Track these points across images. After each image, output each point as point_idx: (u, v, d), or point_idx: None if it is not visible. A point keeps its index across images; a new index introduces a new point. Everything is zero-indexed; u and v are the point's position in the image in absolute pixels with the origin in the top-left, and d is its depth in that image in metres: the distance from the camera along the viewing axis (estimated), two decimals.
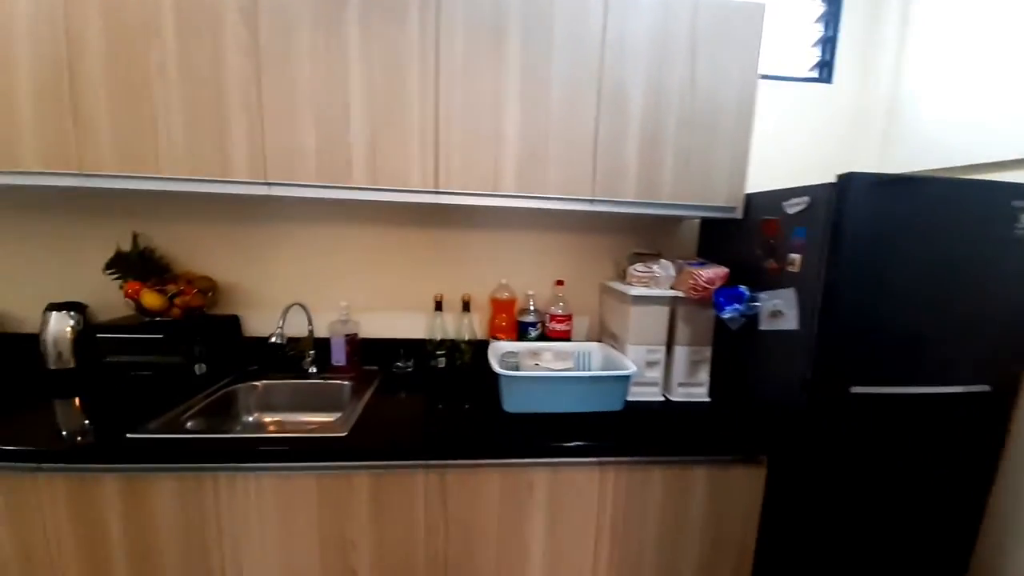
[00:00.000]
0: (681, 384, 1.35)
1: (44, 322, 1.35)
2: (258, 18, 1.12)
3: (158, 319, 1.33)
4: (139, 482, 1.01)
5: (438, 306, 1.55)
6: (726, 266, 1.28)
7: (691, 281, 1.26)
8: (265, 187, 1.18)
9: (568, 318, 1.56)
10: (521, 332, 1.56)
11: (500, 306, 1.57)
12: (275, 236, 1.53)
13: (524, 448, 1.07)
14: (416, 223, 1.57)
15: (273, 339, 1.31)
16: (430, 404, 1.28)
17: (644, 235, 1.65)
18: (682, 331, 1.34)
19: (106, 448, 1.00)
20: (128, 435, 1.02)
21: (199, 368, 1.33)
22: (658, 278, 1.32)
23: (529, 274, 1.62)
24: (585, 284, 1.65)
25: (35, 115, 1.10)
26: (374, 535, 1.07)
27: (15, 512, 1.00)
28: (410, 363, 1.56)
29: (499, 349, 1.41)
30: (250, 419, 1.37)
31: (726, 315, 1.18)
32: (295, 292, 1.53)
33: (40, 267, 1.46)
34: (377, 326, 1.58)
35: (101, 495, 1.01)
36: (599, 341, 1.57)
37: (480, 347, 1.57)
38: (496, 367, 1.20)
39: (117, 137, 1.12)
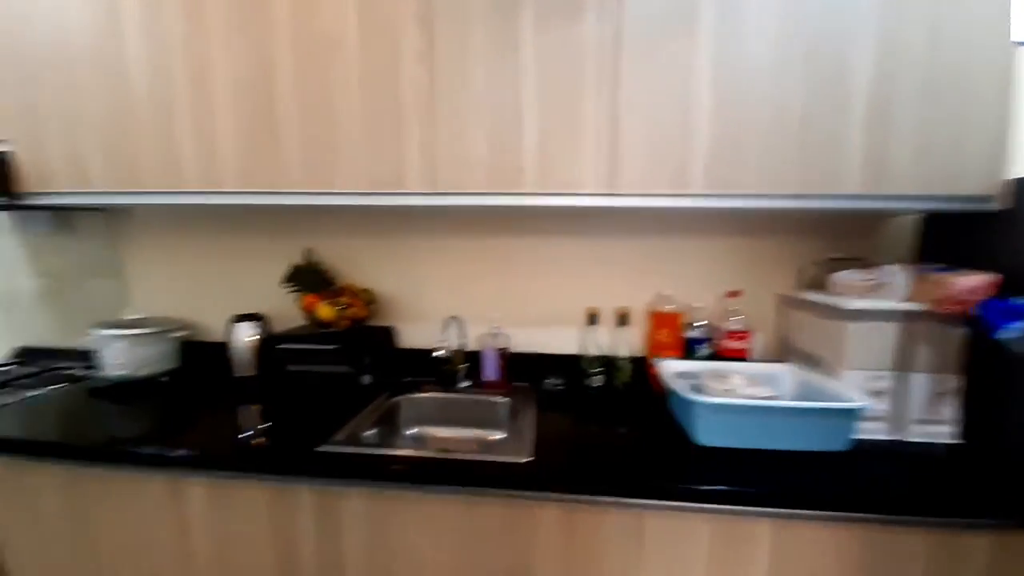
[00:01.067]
0: (918, 421, 1.08)
1: (230, 332, 1.46)
2: (434, 23, 1.10)
3: (329, 330, 1.37)
4: (329, 496, 1.01)
5: (592, 320, 1.43)
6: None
7: (941, 292, 1.00)
8: (436, 197, 1.15)
9: (746, 335, 1.35)
10: (688, 350, 1.38)
11: (662, 320, 1.41)
12: (427, 247, 1.52)
13: (741, 493, 0.89)
14: (567, 232, 1.47)
15: (440, 352, 1.28)
16: (599, 428, 1.16)
17: (829, 237, 1.39)
18: (919, 354, 1.07)
19: (299, 460, 1.00)
20: (317, 448, 1.02)
21: (365, 379, 1.35)
22: (886, 287, 1.07)
23: (691, 284, 1.45)
24: (754, 295, 1.43)
25: (234, 135, 1.18)
26: (562, 573, 0.96)
27: (217, 514, 1.05)
28: (561, 381, 1.45)
29: (670, 369, 1.24)
30: (411, 432, 1.35)
31: (1007, 336, 0.91)
32: (445, 304, 1.51)
33: (226, 280, 1.60)
34: (526, 340, 1.50)
35: (295, 507, 1.02)
36: (781, 362, 1.34)
37: (639, 365, 1.42)
38: (685, 392, 1.05)
39: (305, 154, 1.16)
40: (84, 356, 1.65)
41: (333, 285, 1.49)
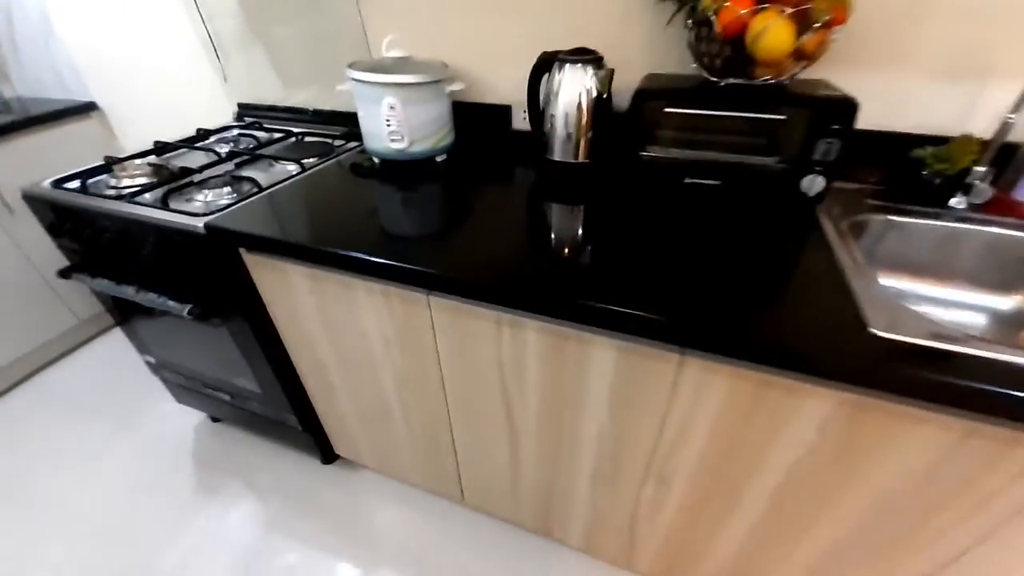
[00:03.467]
0: None
1: (536, 87, 0.89)
2: None
3: (761, 81, 0.71)
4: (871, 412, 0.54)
5: None
6: None
7: None
8: None
9: None
10: None
11: None
12: None
13: None
14: None
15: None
16: None
17: None
18: None
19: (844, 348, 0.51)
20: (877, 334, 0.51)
21: (811, 183, 0.73)
22: None
23: None
24: None
25: None
26: None
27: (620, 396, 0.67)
28: None
29: None
30: (884, 283, 0.79)
31: None
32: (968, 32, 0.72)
33: None
34: None
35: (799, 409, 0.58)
36: None
37: None
38: None
39: None
40: (332, 119, 1.25)
41: None
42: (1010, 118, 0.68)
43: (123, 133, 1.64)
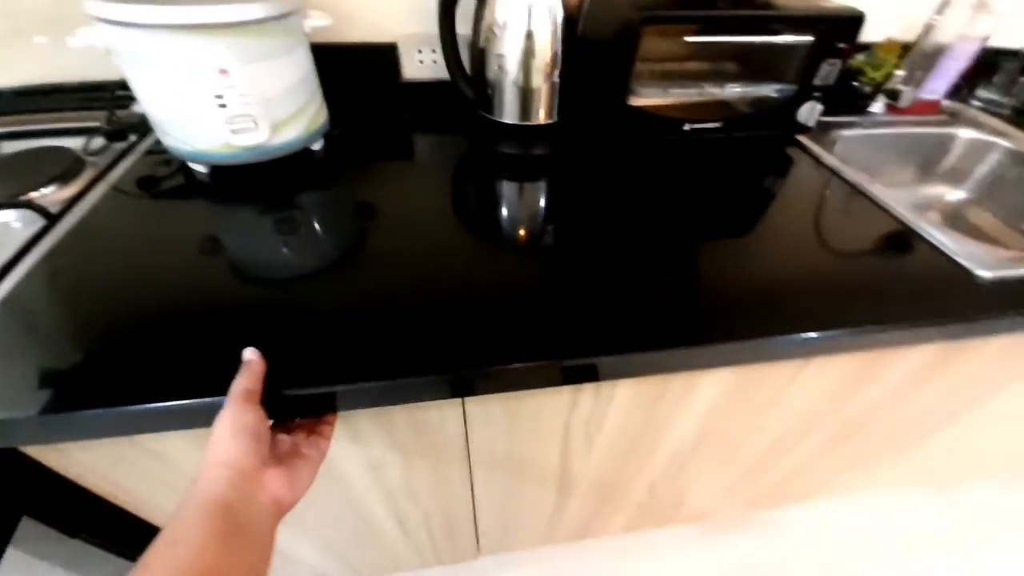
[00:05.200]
0: None
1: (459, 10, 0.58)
2: None
3: None
4: None
5: None
6: None
7: None
8: None
9: None
10: None
11: None
12: None
13: None
14: None
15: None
16: None
17: None
18: None
19: None
20: None
21: (812, 111, 0.66)
22: None
23: None
24: None
25: None
26: None
27: None
28: None
29: None
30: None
31: None
32: None
33: None
34: None
35: None
36: None
37: None
38: None
39: None
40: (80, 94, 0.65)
41: None
42: (935, 19, 0.71)
43: None
